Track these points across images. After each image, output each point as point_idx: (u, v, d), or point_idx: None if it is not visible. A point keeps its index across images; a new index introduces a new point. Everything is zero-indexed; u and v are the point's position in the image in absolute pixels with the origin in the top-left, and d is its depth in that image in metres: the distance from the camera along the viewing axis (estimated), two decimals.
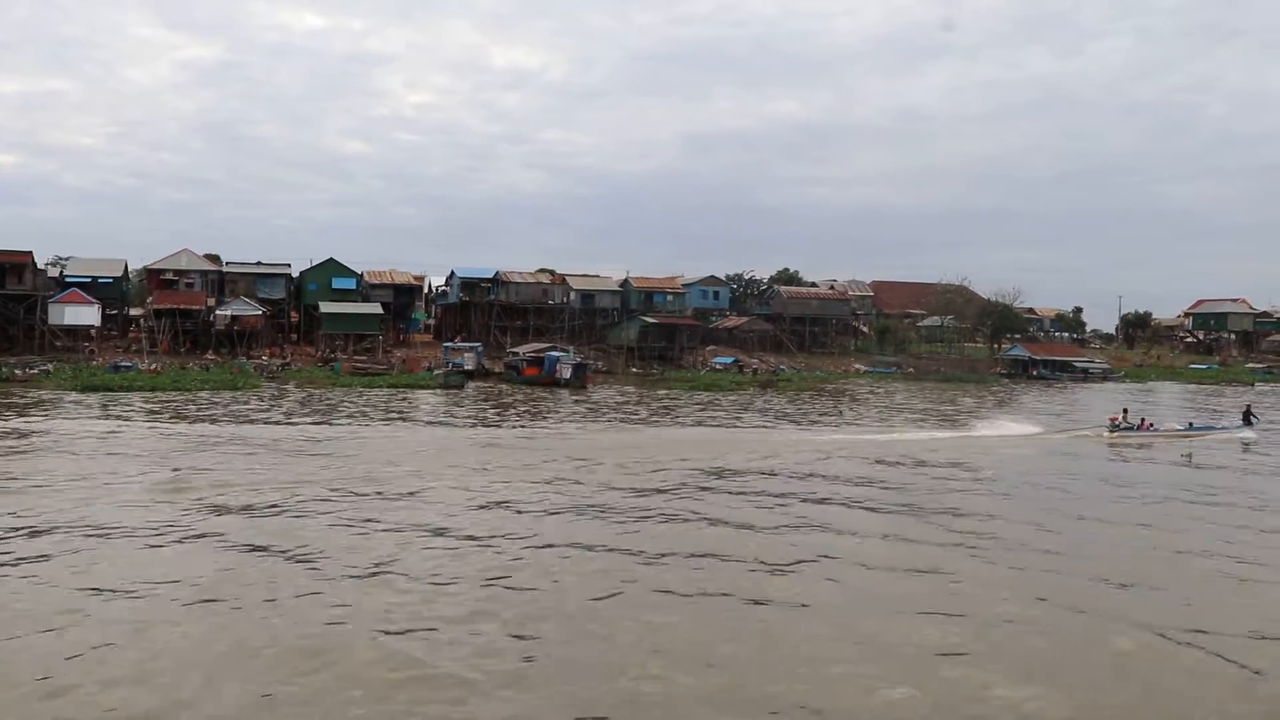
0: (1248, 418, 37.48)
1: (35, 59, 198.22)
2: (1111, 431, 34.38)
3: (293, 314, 79.60)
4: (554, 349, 68.10)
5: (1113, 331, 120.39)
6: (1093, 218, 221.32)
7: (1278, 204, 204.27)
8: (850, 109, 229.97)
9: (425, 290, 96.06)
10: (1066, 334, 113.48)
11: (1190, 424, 37.56)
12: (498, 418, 40.78)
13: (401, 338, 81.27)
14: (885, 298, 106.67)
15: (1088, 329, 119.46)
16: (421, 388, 57.03)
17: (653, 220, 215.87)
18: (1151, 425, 35.53)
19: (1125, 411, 37.16)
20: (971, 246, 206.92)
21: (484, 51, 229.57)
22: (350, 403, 45.90)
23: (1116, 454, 30.85)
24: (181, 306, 70.76)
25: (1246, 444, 33.97)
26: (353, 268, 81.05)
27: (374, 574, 14.17)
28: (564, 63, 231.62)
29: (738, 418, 42.60)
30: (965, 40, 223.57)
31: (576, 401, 49.88)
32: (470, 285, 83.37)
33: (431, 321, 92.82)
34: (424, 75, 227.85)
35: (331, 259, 79.28)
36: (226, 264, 79.39)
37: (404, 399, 49.47)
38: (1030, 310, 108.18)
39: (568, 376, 61.43)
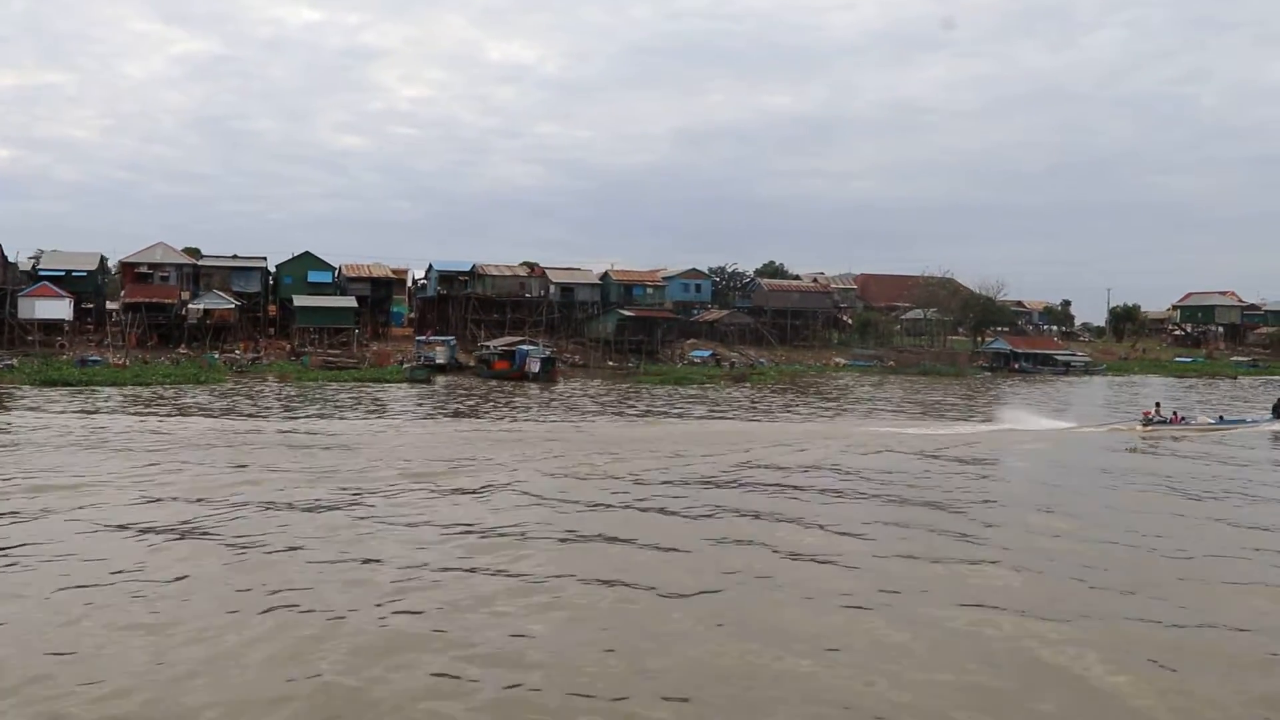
0: (1278, 411, 37.60)
1: (32, 53, 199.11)
2: (1145, 425, 34.70)
3: (270, 308, 79.57)
4: (525, 343, 67.96)
5: (1102, 324, 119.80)
6: (1085, 211, 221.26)
7: (1268, 196, 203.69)
8: (846, 103, 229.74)
9: (409, 284, 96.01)
10: (1055, 327, 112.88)
11: (1221, 418, 37.92)
12: (441, 412, 40.60)
13: (381, 331, 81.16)
14: (874, 290, 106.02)
15: (1077, 322, 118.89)
16: (388, 382, 56.85)
17: (648, 214, 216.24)
18: (1183, 419, 36.07)
19: (1158, 405, 37.48)
20: (966, 240, 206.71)
21: (479, 45, 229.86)
22: (304, 397, 45.75)
23: (1148, 448, 30.64)
24: (154, 300, 70.79)
25: (1277, 437, 34.03)
26: (347, 261, 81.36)
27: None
28: (559, 56, 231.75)
29: (687, 411, 42.34)
30: (960, 35, 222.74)
31: (537, 395, 49.67)
32: (448, 278, 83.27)
33: (414, 315, 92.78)
34: (419, 69, 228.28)
35: (308, 252, 79.19)
36: (203, 257, 79.36)
37: (363, 393, 49.29)
38: (1019, 303, 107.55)
39: (536, 370, 61.33)
